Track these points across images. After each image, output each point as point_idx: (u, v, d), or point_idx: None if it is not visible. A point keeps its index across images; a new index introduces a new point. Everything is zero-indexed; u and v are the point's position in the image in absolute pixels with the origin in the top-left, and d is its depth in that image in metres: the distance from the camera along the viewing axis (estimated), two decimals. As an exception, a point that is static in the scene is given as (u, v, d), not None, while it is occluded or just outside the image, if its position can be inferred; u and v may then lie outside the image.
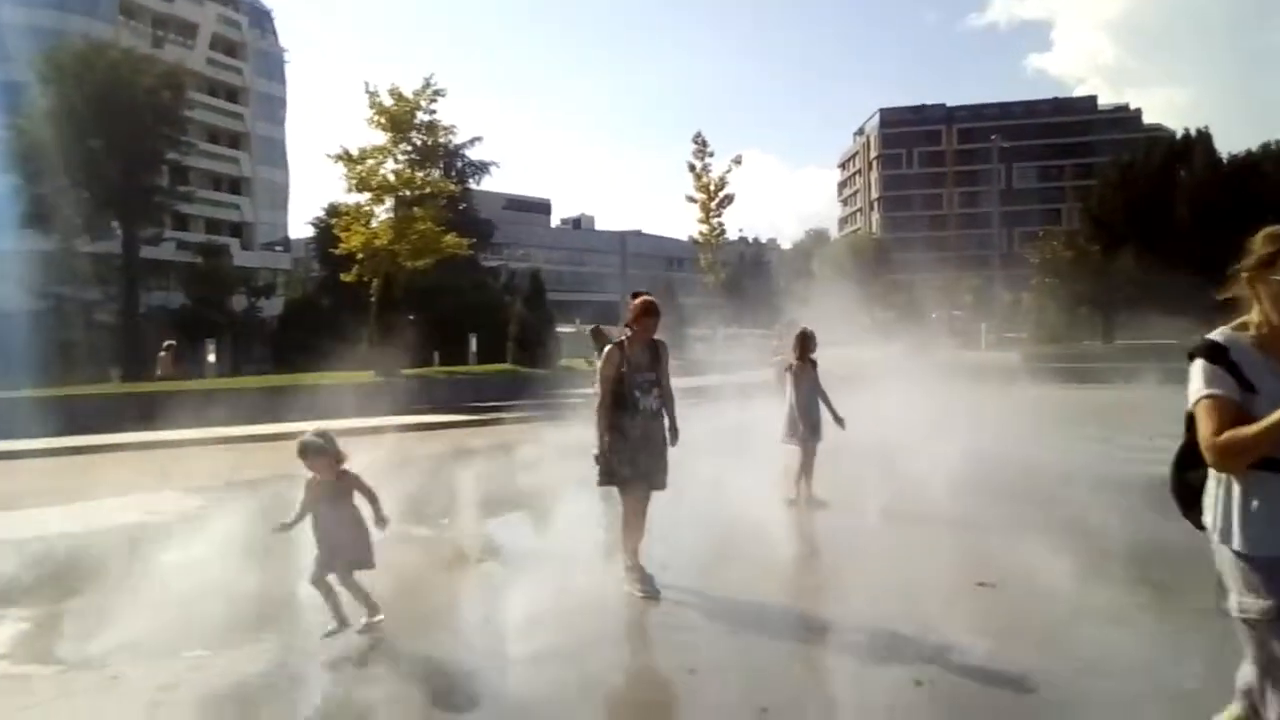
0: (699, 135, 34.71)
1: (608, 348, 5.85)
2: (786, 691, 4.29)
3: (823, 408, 8.58)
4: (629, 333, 5.81)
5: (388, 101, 23.45)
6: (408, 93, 23.69)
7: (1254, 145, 32.29)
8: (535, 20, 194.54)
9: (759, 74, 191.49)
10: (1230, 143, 45.31)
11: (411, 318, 25.96)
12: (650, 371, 5.76)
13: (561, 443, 13.08)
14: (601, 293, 75.21)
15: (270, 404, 16.31)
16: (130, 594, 5.78)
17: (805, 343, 8.76)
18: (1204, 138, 31.89)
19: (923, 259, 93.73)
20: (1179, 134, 34.01)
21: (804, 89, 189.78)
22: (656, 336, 5.87)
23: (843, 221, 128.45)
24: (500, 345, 28.09)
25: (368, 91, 23.38)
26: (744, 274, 73.90)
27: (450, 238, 24.19)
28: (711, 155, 34.70)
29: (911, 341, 36.27)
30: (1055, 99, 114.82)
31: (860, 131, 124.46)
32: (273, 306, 52.28)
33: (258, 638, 5.15)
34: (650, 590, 5.61)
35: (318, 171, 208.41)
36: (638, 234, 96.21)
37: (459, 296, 32.27)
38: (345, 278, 24.94)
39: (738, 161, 35.29)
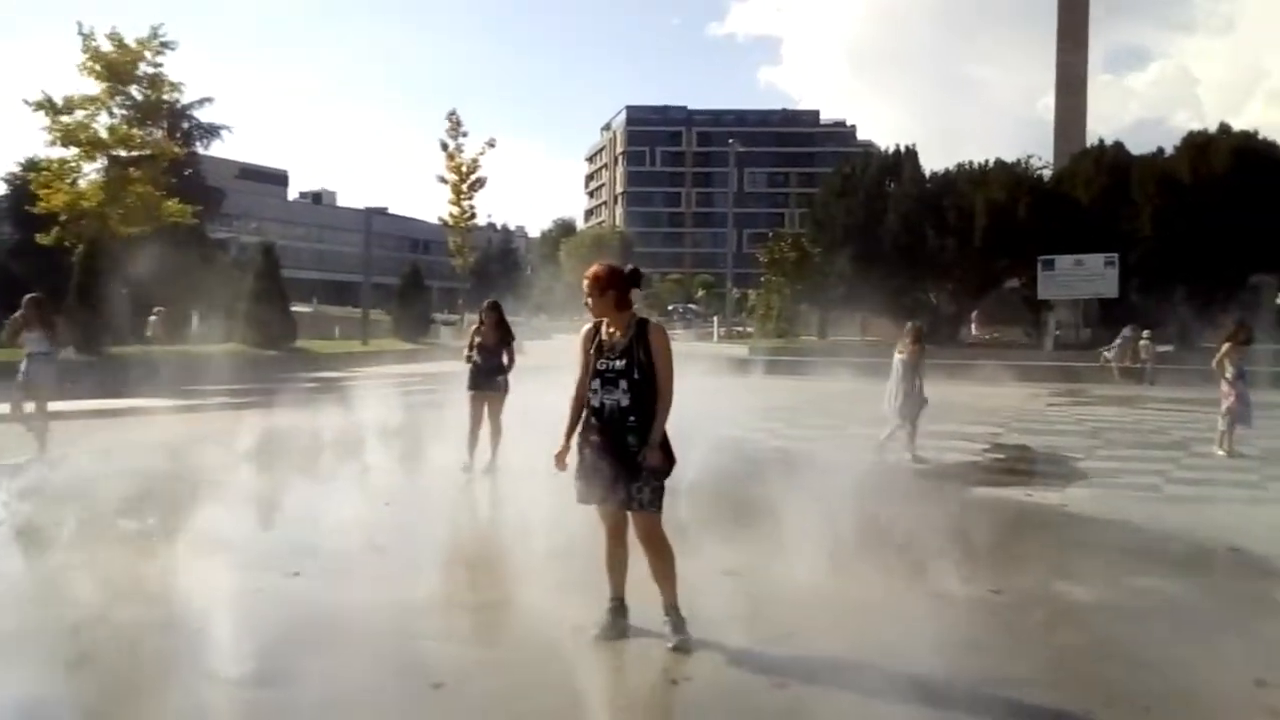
0: (453, 113, 34.21)
1: (586, 326, 4.83)
2: (542, 696, 4.14)
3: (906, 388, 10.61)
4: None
5: (106, 47, 21.14)
6: (130, 40, 21.48)
7: (949, 165, 36.36)
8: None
9: (511, 61, 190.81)
10: (929, 161, 50.82)
11: (124, 290, 23.55)
12: (622, 359, 4.61)
13: (288, 430, 12.40)
14: (342, 272, 71.85)
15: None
16: None
17: (920, 334, 10.96)
18: (911, 155, 35.37)
19: (663, 254, 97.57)
20: (889, 150, 37.48)
21: (556, 80, 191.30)
22: (648, 317, 4.85)
23: (589, 213, 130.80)
24: (228, 323, 26.11)
25: (82, 34, 20.99)
26: (492, 260, 73.32)
27: (173, 204, 22.26)
28: (465, 135, 34.27)
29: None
30: (784, 110, 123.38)
31: (608, 127, 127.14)
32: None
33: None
34: (605, 632, 4.70)
35: (16, 120, 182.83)
36: (383, 212, 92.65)
37: (181, 269, 29.60)
38: (42, 240, 22.26)
39: (491, 144, 35.10)
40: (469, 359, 9.79)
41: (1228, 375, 11.49)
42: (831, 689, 4.22)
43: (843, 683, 4.27)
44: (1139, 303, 31.22)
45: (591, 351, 4.68)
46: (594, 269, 4.76)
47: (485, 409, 9.60)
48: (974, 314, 36.35)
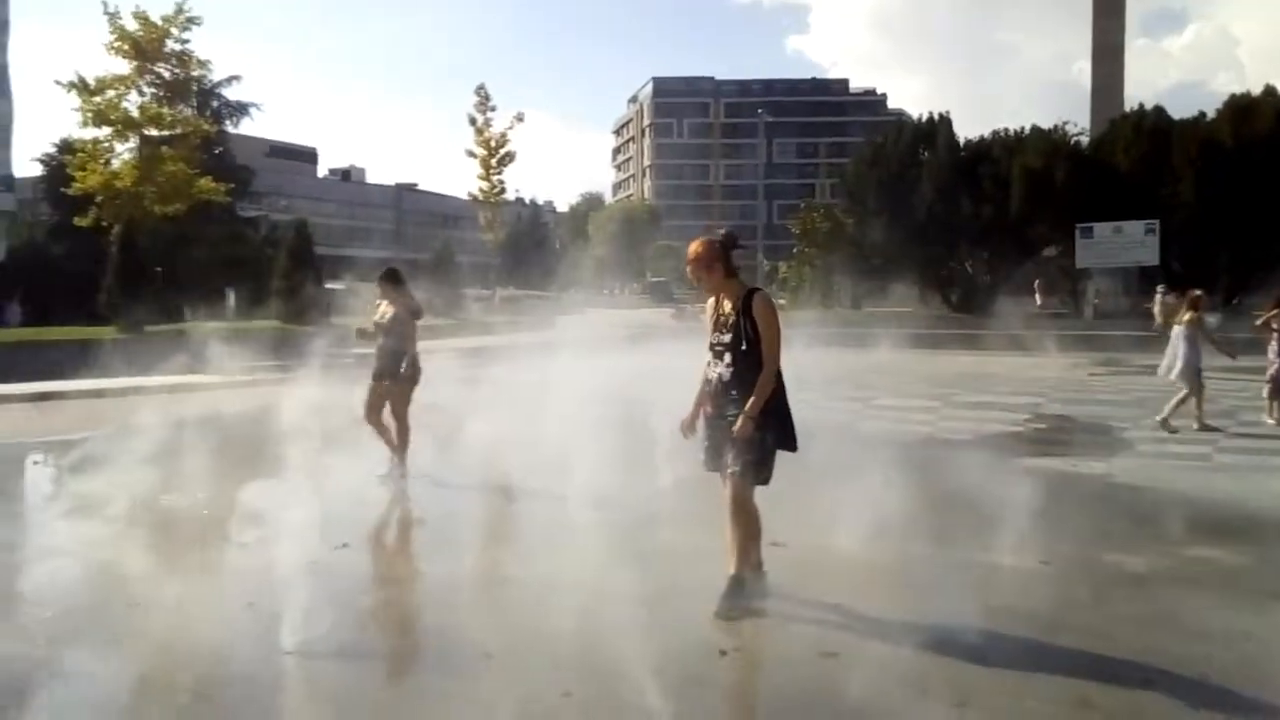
0: (481, 87, 34.09)
1: (710, 300, 4.83)
2: (586, 666, 4.11)
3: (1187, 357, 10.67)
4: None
5: (132, 26, 21.26)
6: (156, 18, 21.59)
7: (982, 133, 35.65)
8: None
9: (537, 35, 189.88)
10: (963, 129, 49.87)
11: (159, 269, 23.83)
12: (730, 332, 4.62)
13: (333, 404, 12.42)
14: (373, 248, 72.18)
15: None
16: None
17: (1198, 303, 11.06)
18: (945, 122, 34.70)
19: (692, 226, 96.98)
20: (922, 118, 36.81)
21: (582, 53, 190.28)
22: (759, 287, 4.81)
23: (616, 187, 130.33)
24: (263, 301, 26.39)
25: (108, 13, 21.15)
26: (522, 235, 73.31)
27: (205, 182, 22.40)
28: (494, 109, 34.16)
29: (682, 304, 37.23)
30: (814, 79, 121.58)
31: (634, 99, 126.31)
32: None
33: None
34: (725, 609, 4.58)
35: (49, 102, 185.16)
36: (413, 189, 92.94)
37: (214, 247, 29.91)
38: (80, 222, 22.54)
39: (520, 118, 34.97)
40: (361, 334, 8.42)
41: (1274, 343, 11.24)
42: (880, 658, 4.18)
43: (891, 652, 4.23)
44: (1181, 270, 30.61)
45: (710, 324, 4.75)
46: (692, 250, 4.72)
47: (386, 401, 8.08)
48: (1037, 282, 35.68)
